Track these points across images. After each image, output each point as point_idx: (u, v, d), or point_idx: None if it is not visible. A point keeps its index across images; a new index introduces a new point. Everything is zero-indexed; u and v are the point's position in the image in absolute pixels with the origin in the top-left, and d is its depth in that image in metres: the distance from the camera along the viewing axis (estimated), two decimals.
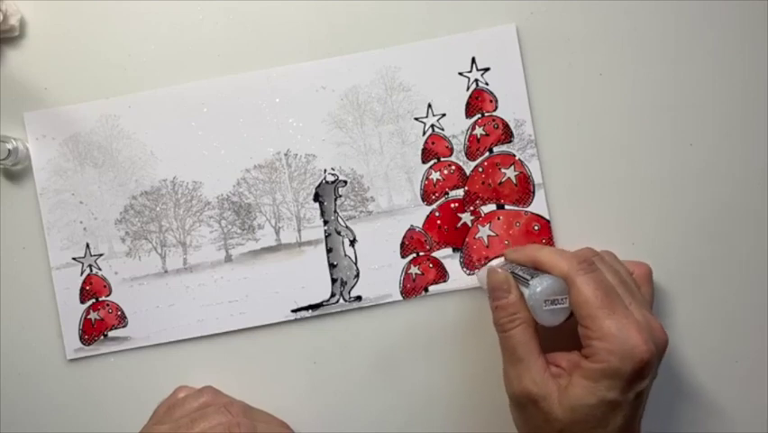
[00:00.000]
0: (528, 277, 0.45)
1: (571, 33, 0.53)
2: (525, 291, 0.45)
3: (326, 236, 0.53)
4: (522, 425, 0.46)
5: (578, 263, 0.44)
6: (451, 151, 0.53)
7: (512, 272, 0.46)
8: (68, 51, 0.53)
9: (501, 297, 0.46)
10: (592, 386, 0.41)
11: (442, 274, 0.53)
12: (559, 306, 0.44)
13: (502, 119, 0.53)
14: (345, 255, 0.53)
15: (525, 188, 0.53)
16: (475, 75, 0.53)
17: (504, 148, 0.53)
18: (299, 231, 0.53)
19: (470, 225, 0.53)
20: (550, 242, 0.52)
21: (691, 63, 0.53)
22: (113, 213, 0.53)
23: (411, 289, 0.53)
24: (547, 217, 0.52)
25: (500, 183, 0.53)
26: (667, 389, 0.52)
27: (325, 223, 0.53)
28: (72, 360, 0.53)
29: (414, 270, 0.53)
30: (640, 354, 0.41)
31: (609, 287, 0.43)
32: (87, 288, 0.53)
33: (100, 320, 0.53)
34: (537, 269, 0.46)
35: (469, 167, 0.53)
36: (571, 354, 0.44)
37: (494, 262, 0.51)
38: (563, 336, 0.45)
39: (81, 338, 0.53)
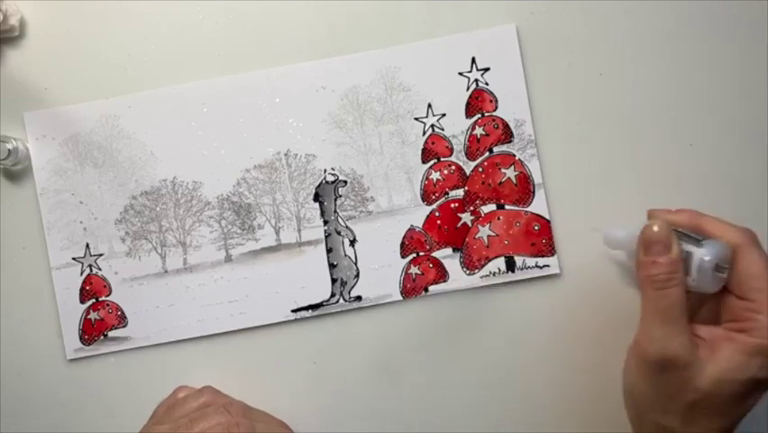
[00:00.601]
0: (699, 238, 0.43)
1: (571, 33, 0.53)
2: (695, 252, 0.42)
3: (326, 236, 0.53)
4: (645, 391, 0.43)
5: (750, 235, 0.43)
6: (451, 151, 0.53)
7: (674, 230, 0.44)
8: (68, 51, 0.53)
9: (660, 252, 0.43)
10: (746, 361, 0.40)
11: (442, 274, 0.53)
12: (721, 274, 0.42)
13: (502, 119, 0.53)
14: (345, 255, 0.53)
15: (525, 188, 0.53)
16: (475, 75, 0.53)
17: (504, 148, 0.53)
18: (299, 231, 0.53)
19: (470, 225, 0.53)
20: (550, 242, 0.52)
21: (691, 63, 0.53)
22: (113, 213, 0.53)
23: (411, 289, 0.53)
24: (547, 217, 0.52)
25: (500, 183, 0.53)
26: None
27: (325, 223, 0.53)
28: (72, 360, 0.53)
29: (414, 270, 0.53)
30: None
31: None
32: (87, 288, 0.53)
33: (100, 320, 0.53)
34: (701, 234, 0.44)
35: (469, 167, 0.53)
36: (713, 328, 0.42)
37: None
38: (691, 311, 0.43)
39: (81, 338, 0.53)
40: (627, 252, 0.48)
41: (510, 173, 0.53)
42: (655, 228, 0.43)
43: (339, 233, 0.53)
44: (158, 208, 0.53)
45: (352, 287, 0.53)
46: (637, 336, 0.43)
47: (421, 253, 0.53)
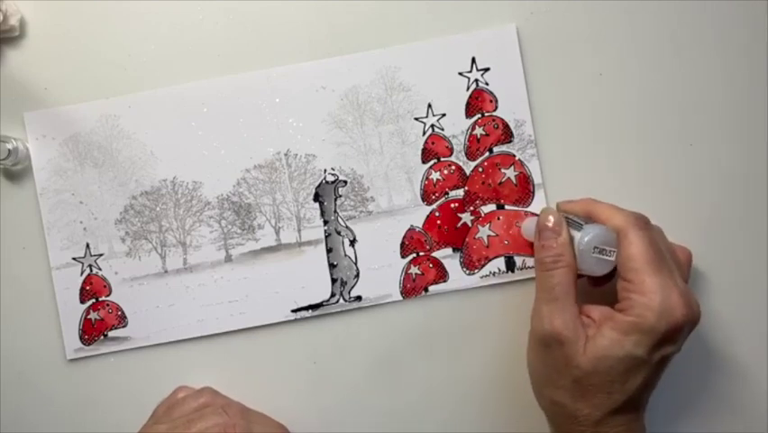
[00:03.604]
0: (582, 222, 0.46)
1: (571, 33, 0.53)
2: (576, 236, 0.45)
3: (326, 236, 0.53)
4: (538, 366, 0.46)
5: (634, 219, 0.44)
6: (451, 151, 0.53)
7: (565, 217, 0.47)
8: (68, 51, 0.53)
9: (550, 237, 0.46)
10: (621, 339, 0.42)
11: (442, 274, 0.53)
12: (605, 257, 0.45)
13: (502, 119, 0.53)
14: (345, 255, 0.53)
15: (525, 188, 0.53)
16: (475, 75, 0.53)
17: (504, 148, 0.53)
18: (299, 231, 0.53)
19: (470, 225, 0.53)
20: None
21: (691, 63, 0.53)
22: (113, 213, 0.53)
23: (411, 289, 0.53)
24: None
25: (500, 183, 0.53)
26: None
27: (325, 223, 0.53)
28: (72, 360, 0.53)
29: (414, 270, 0.53)
30: (677, 316, 0.41)
31: (659, 249, 0.44)
32: (87, 288, 0.53)
33: (100, 320, 0.53)
34: (590, 220, 0.46)
35: (469, 167, 0.53)
36: (604, 308, 0.44)
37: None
38: (595, 297, 0.45)
39: (81, 338, 0.53)
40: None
41: (510, 173, 0.53)
42: (549, 216, 0.46)
43: (339, 233, 0.53)
44: (158, 208, 0.53)
45: (352, 287, 0.53)
46: (531, 314, 0.46)
47: (421, 253, 0.53)
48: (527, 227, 0.51)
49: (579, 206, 0.48)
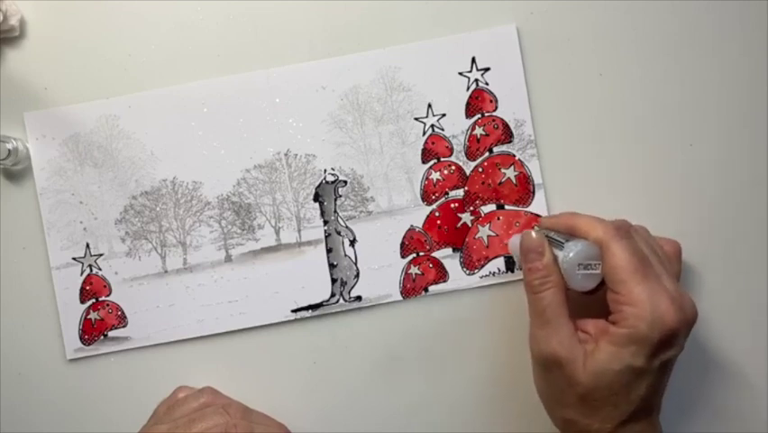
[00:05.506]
0: (563, 240, 0.45)
1: (571, 33, 0.53)
2: (559, 254, 0.45)
3: (326, 236, 0.53)
4: (544, 387, 0.46)
5: (614, 229, 0.44)
6: (451, 151, 0.53)
7: (547, 236, 0.47)
8: (68, 51, 0.53)
9: (534, 259, 0.46)
10: (618, 351, 0.42)
11: (442, 274, 0.53)
12: (591, 271, 0.44)
13: (502, 119, 0.53)
14: (345, 255, 0.53)
15: (524, 188, 0.53)
16: (475, 75, 0.53)
17: (504, 148, 0.53)
18: (299, 231, 0.53)
19: (470, 225, 0.53)
20: None
21: (691, 63, 0.53)
22: (113, 213, 0.53)
23: (411, 289, 0.53)
24: None
25: (500, 183, 0.53)
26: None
27: (325, 223, 0.53)
28: (72, 360, 0.53)
29: (414, 270, 0.53)
30: (669, 323, 0.41)
31: (643, 255, 0.44)
32: (87, 288, 0.53)
33: (100, 320, 0.53)
34: (572, 235, 0.46)
35: (469, 167, 0.53)
36: (599, 322, 0.44)
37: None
38: (590, 307, 0.45)
39: (81, 338, 0.53)
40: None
41: (510, 173, 0.53)
42: (533, 234, 0.46)
43: (339, 233, 0.53)
44: (158, 208, 0.53)
45: (352, 287, 0.53)
46: (528, 338, 0.46)
47: (421, 253, 0.53)
48: (513, 243, 0.51)
49: (560, 220, 0.48)
